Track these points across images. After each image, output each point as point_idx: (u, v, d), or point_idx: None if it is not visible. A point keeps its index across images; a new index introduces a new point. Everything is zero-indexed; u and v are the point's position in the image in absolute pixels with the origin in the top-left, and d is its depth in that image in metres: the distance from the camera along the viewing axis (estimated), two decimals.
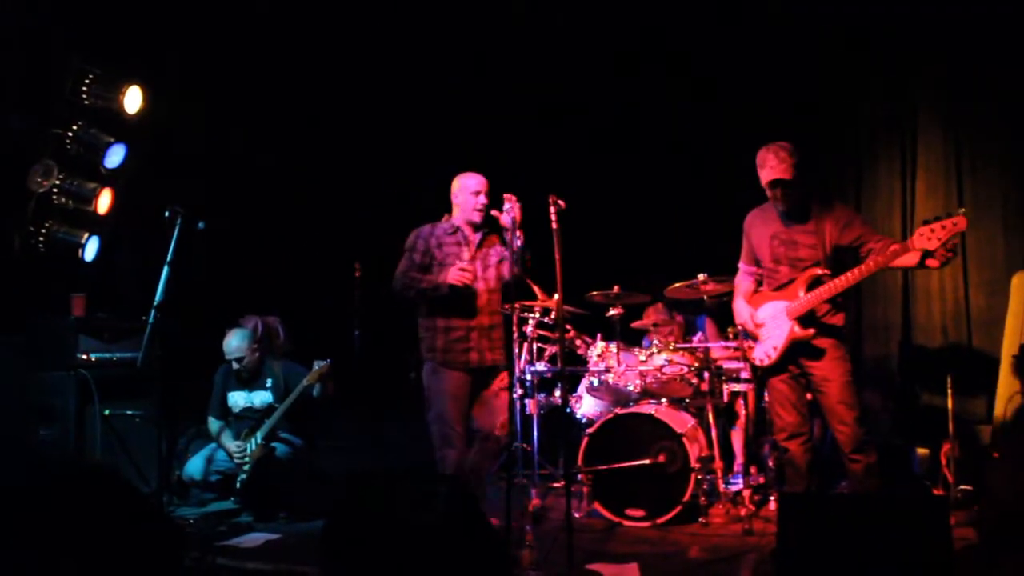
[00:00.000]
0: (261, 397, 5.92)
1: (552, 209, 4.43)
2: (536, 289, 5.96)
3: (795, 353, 4.63)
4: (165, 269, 4.81)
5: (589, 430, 5.56)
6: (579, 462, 5.47)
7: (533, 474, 5.95)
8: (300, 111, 7.55)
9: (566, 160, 7.28)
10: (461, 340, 4.84)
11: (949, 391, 5.47)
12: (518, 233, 4.61)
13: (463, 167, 4.99)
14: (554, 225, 4.42)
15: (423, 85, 7.71)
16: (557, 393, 6.21)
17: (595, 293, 6.02)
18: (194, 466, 5.83)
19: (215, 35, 6.73)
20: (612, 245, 7.29)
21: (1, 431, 5.41)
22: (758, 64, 6.99)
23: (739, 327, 5.06)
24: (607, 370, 5.82)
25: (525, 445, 6.06)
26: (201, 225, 4.92)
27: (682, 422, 5.47)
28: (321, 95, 7.63)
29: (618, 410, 5.61)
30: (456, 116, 7.75)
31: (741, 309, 4.88)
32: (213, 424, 5.99)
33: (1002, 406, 4.54)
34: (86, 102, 5.83)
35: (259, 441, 5.71)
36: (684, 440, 5.30)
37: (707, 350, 5.84)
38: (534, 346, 6.25)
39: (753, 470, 5.78)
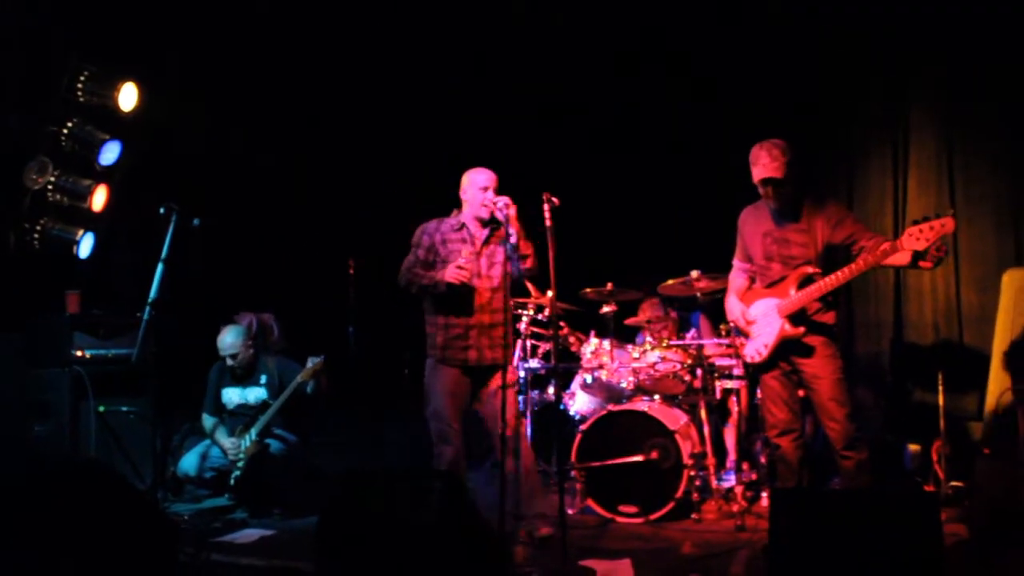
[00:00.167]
0: (255, 393, 5.91)
1: (546, 207, 4.42)
2: (530, 286, 5.96)
3: (786, 350, 4.62)
4: (160, 266, 4.80)
5: (582, 427, 5.56)
6: (572, 459, 5.48)
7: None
8: (298, 110, 7.53)
9: (564, 159, 7.27)
10: (460, 337, 4.80)
11: (940, 388, 5.49)
12: (511, 231, 4.60)
13: (462, 167, 4.97)
14: (548, 223, 4.42)
15: (423, 85, 7.70)
16: (550, 390, 6.22)
17: (588, 290, 6.01)
18: (189, 462, 5.81)
19: (212, 33, 6.71)
20: (605, 242, 7.28)
21: None
22: (757, 64, 6.98)
23: (731, 324, 5.06)
24: (600, 367, 5.82)
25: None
26: (196, 222, 4.92)
27: (675, 419, 5.47)
28: (320, 94, 7.61)
29: (611, 407, 5.60)
30: (456, 116, 7.73)
31: (733, 306, 4.88)
32: (207, 420, 5.98)
33: (993, 403, 4.55)
34: (81, 99, 5.82)
35: (253, 438, 5.69)
36: (677, 437, 5.30)
37: (700, 347, 5.85)
38: (527, 343, 6.25)
39: (745, 466, 5.78)
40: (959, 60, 6.26)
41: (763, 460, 5.65)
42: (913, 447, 5.84)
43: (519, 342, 6.03)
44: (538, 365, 6.21)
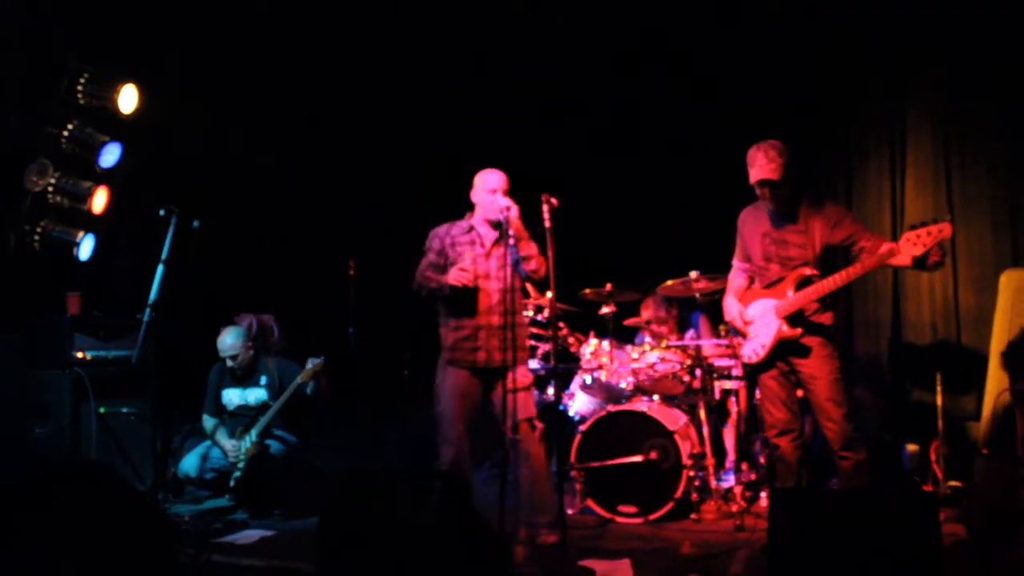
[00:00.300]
0: (255, 394, 5.92)
1: (544, 207, 4.43)
2: (528, 287, 5.96)
3: (784, 351, 4.62)
4: (160, 268, 4.80)
5: (582, 427, 5.57)
6: (572, 459, 5.48)
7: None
8: (298, 110, 7.52)
9: (564, 159, 7.26)
10: (468, 339, 4.78)
11: (938, 388, 5.49)
12: (512, 234, 4.60)
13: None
14: (546, 223, 4.43)
15: (423, 85, 7.70)
16: (550, 390, 6.21)
17: (588, 291, 6.02)
18: (189, 463, 5.82)
19: (212, 34, 6.70)
20: (604, 243, 7.27)
21: None
22: (757, 64, 6.98)
23: (729, 324, 5.06)
24: (600, 367, 5.83)
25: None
26: (196, 224, 4.92)
27: (674, 419, 5.48)
28: (319, 94, 7.60)
29: (611, 407, 5.61)
30: (456, 116, 7.73)
31: (731, 306, 4.87)
32: (208, 422, 5.98)
33: (991, 403, 4.55)
34: (81, 101, 5.82)
35: (253, 439, 5.69)
36: (676, 437, 5.31)
37: (699, 347, 5.85)
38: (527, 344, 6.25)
39: (744, 467, 5.78)
40: (957, 60, 6.26)
41: (762, 460, 5.65)
42: (911, 447, 5.84)
43: None
44: (538, 366, 6.21)
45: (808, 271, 4.52)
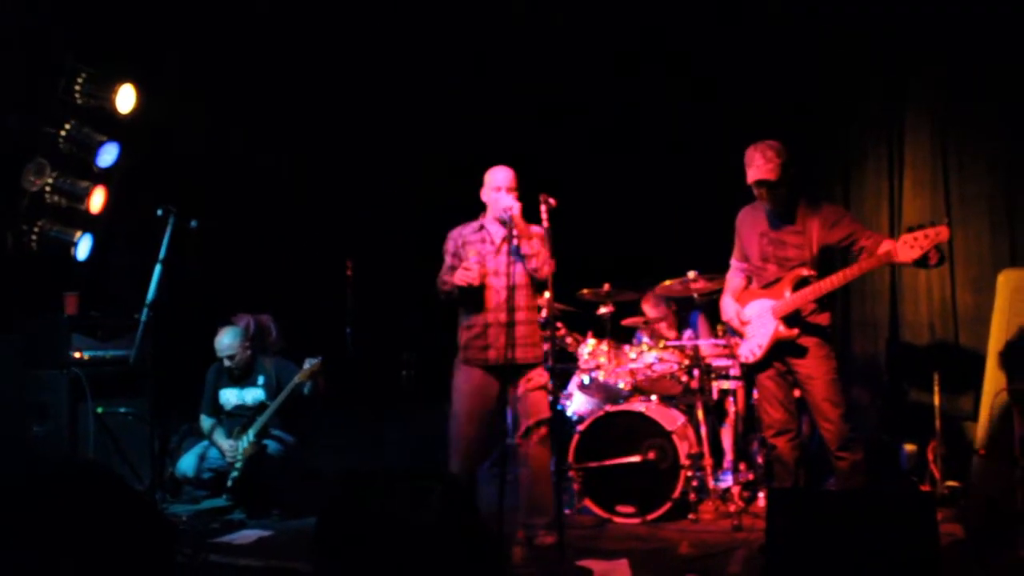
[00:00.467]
0: (253, 395, 5.92)
1: (543, 207, 4.43)
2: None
3: (780, 351, 4.62)
4: (158, 267, 4.80)
5: (580, 427, 5.58)
6: (570, 459, 5.49)
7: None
8: (297, 110, 7.50)
9: (564, 159, 7.26)
10: (479, 336, 4.77)
11: (936, 388, 5.50)
12: (515, 234, 4.61)
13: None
14: (544, 223, 4.43)
15: (423, 85, 7.70)
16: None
17: (585, 291, 6.02)
18: (187, 463, 5.82)
19: (210, 33, 6.69)
20: (602, 243, 7.29)
21: None
22: (757, 64, 7.00)
23: (726, 324, 5.06)
24: (598, 368, 5.83)
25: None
26: (193, 224, 4.92)
27: (672, 419, 5.48)
28: (318, 95, 7.58)
29: (608, 407, 5.62)
30: (456, 116, 7.73)
31: (728, 306, 4.88)
32: (205, 422, 5.99)
33: (988, 403, 4.55)
34: (79, 101, 5.81)
35: (251, 439, 5.69)
36: (674, 437, 5.31)
37: (697, 347, 5.85)
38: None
39: (742, 467, 5.79)
40: (957, 60, 6.26)
41: (760, 460, 5.66)
42: (909, 447, 5.85)
43: None
44: None
45: (805, 272, 4.53)
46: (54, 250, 5.83)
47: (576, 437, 5.53)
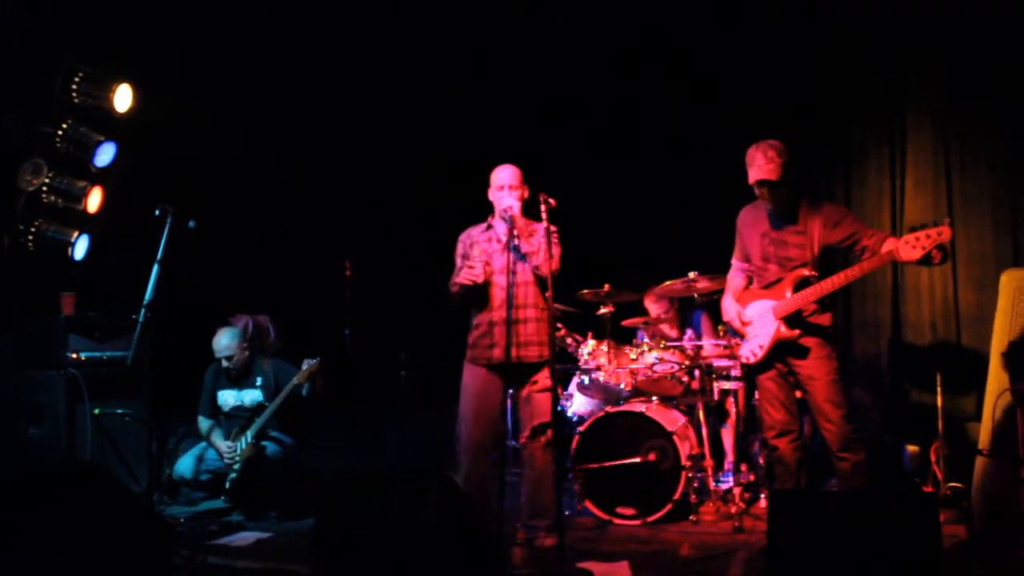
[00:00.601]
0: (251, 396, 5.92)
1: (543, 208, 4.43)
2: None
3: (781, 352, 4.61)
4: (155, 268, 4.80)
5: (580, 428, 5.57)
6: (570, 460, 5.48)
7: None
8: (296, 110, 7.50)
9: (564, 159, 7.27)
10: (484, 335, 4.77)
11: (939, 388, 5.50)
12: (515, 233, 4.61)
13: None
14: (544, 224, 4.43)
15: (423, 85, 7.71)
16: None
17: (586, 291, 6.00)
18: (184, 465, 5.81)
19: (210, 33, 6.68)
20: (602, 243, 7.29)
21: None
22: (757, 64, 7.00)
23: (727, 324, 5.06)
24: (598, 368, 5.81)
25: (516, 443, 6.07)
26: (191, 224, 4.91)
27: (673, 420, 5.47)
28: (318, 94, 7.58)
29: (609, 408, 5.61)
30: (456, 116, 7.74)
31: (729, 306, 4.87)
32: (203, 423, 5.98)
33: (991, 403, 4.54)
34: (76, 100, 5.80)
35: (249, 440, 5.69)
36: (675, 438, 5.30)
37: (698, 348, 5.85)
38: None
39: (743, 468, 5.78)
40: (957, 60, 6.26)
41: (761, 461, 5.66)
42: (911, 448, 5.85)
43: None
44: None
45: (807, 272, 4.52)
46: (51, 250, 5.81)
47: (576, 438, 5.53)
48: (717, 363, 5.85)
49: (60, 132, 5.75)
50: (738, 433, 5.87)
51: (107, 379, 5.81)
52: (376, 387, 6.94)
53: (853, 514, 3.38)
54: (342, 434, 6.90)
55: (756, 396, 4.97)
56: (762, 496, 5.52)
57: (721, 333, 5.87)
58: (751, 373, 5.01)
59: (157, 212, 4.87)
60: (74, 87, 5.77)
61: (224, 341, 5.87)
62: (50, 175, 5.74)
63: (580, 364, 5.95)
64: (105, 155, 5.95)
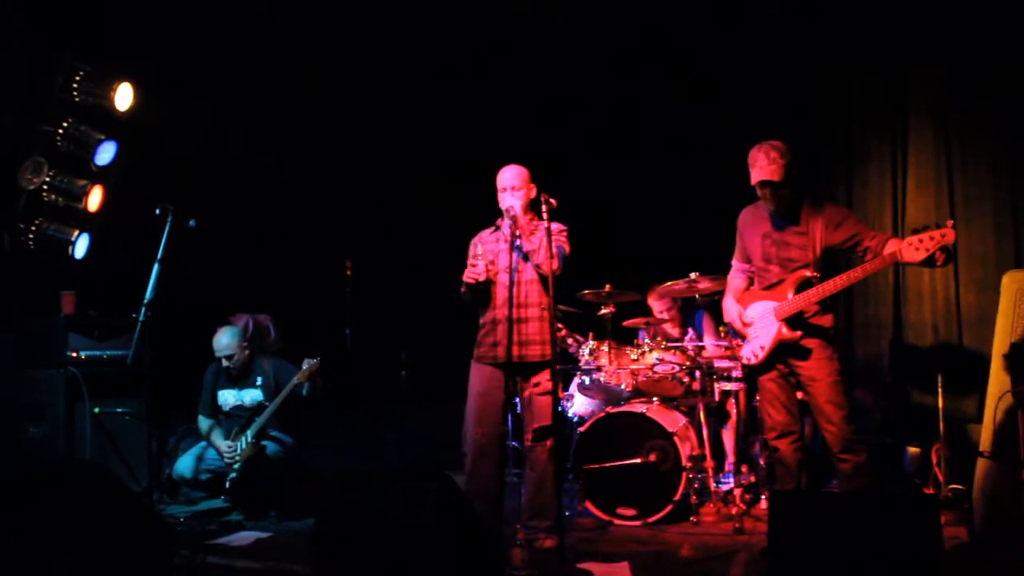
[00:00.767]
0: (251, 395, 5.92)
1: (544, 208, 4.44)
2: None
3: (783, 353, 4.60)
4: (155, 267, 4.80)
5: (580, 429, 5.57)
6: (570, 461, 5.48)
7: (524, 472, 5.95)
8: (295, 110, 7.49)
9: (564, 159, 7.28)
10: (488, 333, 4.80)
11: (940, 390, 5.50)
12: (518, 233, 4.63)
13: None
14: (545, 224, 4.44)
15: (423, 85, 7.72)
16: None
17: (586, 292, 5.99)
18: (184, 464, 5.80)
19: (211, 33, 6.65)
20: (603, 243, 7.29)
21: None
22: (757, 64, 7.02)
23: (729, 325, 5.06)
24: (599, 369, 5.81)
25: (516, 443, 6.08)
26: (192, 223, 4.92)
27: (673, 421, 5.48)
28: (317, 94, 7.58)
29: (610, 409, 5.62)
30: (456, 116, 7.74)
31: (730, 307, 4.86)
32: (203, 422, 5.99)
33: (993, 405, 4.54)
34: (76, 99, 5.80)
35: (249, 439, 5.69)
36: (675, 439, 5.30)
37: (699, 349, 5.85)
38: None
39: (744, 469, 5.79)
40: (959, 60, 6.25)
41: (762, 462, 5.66)
42: (913, 449, 5.84)
43: None
44: None
45: (808, 273, 4.51)
46: (51, 249, 5.83)
47: (577, 439, 5.53)
48: (718, 364, 5.85)
49: (60, 131, 5.76)
50: (739, 434, 5.88)
51: (107, 378, 5.82)
52: (376, 387, 6.94)
53: (854, 515, 3.38)
54: (342, 434, 6.89)
55: (757, 397, 4.96)
56: (763, 497, 5.52)
57: (722, 334, 5.87)
58: (752, 374, 5.01)
59: (158, 211, 4.87)
60: (75, 86, 5.78)
61: (224, 340, 5.88)
62: (51, 174, 5.76)
63: (581, 364, 5.93)
64: (105, 154, 5.97)
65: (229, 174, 7.19)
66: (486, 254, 4.76)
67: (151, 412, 5.00)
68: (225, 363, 5.89)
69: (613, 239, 7.58)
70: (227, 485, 5.70)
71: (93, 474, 3.11)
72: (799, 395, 4.78)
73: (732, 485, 5.57)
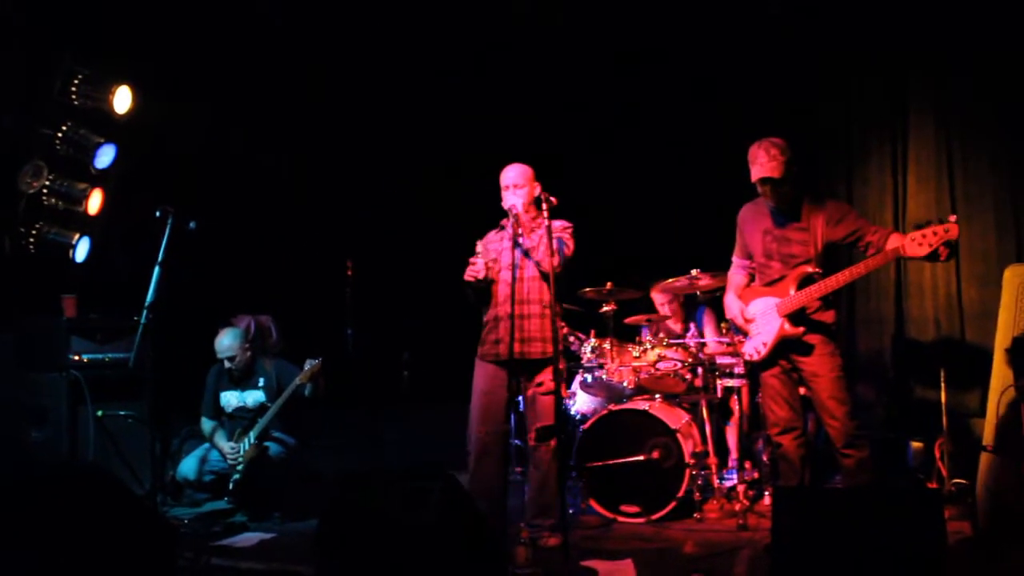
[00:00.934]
0: (254, 396, 5.93)
1: (544, 206, 4.44)
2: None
3: (785, 348, 4.60)
4: (156, 269, 4.80)
5: (583, 426, 5.57)
6: (573, 459, 5.49)
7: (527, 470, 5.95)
8: (295, 110, 7.50)
9: (565, 157, 7.28)
10: (490, 331, 4.82)
11: (943, 384, 5.49)
12: (519, 228, 4.65)
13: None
14: (546, 222, 4.44)
15: (423, 84, 7.74)
16: None
17: (588, 289, 5.99)
18: (188, 466, 5.82)
19: (211, 34, 6.65)
20: (604, 241, 7.25)
21: None
22: (756, 63, 7.05)
23: (730, 322, 5.05)
24: (601, 366, 5.82)
25: (519, 441, 6.08)
26: (192, 225, 4.92)
27: (676, 418, 5.48)
28: (318, 94, 7.59)
29: (612, 406, 5.62)
30: (456, 116, 7.77)
31: (731, 304, 4.87)
32: (206, 424, 6.01)
33: (995, 399, 4.54)
34: (75, 102, 5.80)
35: (252, 441, 5.71)
36: (678, 436, 5.31)
37: (701, 345, 5.85)
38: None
39: (747, 465, 5.78)
40: (958, 59, 6.26)
41: (765, 458, 5.66)
42: (916, 444, 5.83)
43: None
44: None
45: (810, 269, 4.51)
46: (52, 252, 5.83)
47: (579, 436, 5.53)
48: (720, 360, 5.85)
49: (60, 134, 5.76)
50: (742, 430, 5.87)
51: (109, 381, 5.82)
52: (378, 387, 6.94)
53: (857, 511, 3.39)
54: (344, 434, 6.88)
55: (760, 393, 4.97)
56: (766, 493, 5.52)
57: (724, 330, 5.86)
58: (754, 370, 5.01)
59: (158, 213, 4.87)
60: (73, 89, 5.77)
61: (226, 342, 5.89)
62: (50, 177, 5.75)
63: (583, 362, 5.94)
64: (105, 157, 5.95)
65: (230, 175, 7.20)
66: (488, 252, 4.79)
67: (154, 414, 5.00)
68: (227, 365, 5.91)
69: (613, 238, 7.56)
70: (231, 486, 5.72)
71: (95, 476, 3.11)
72: (802, 391, 4.78)
73: (735, 481, 5.57)
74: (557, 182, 4.71)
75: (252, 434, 5.73)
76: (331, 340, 6.29)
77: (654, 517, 5.27)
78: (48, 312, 5.89)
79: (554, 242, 4.52)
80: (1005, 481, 4.43)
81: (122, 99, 5.93)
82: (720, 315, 5.81)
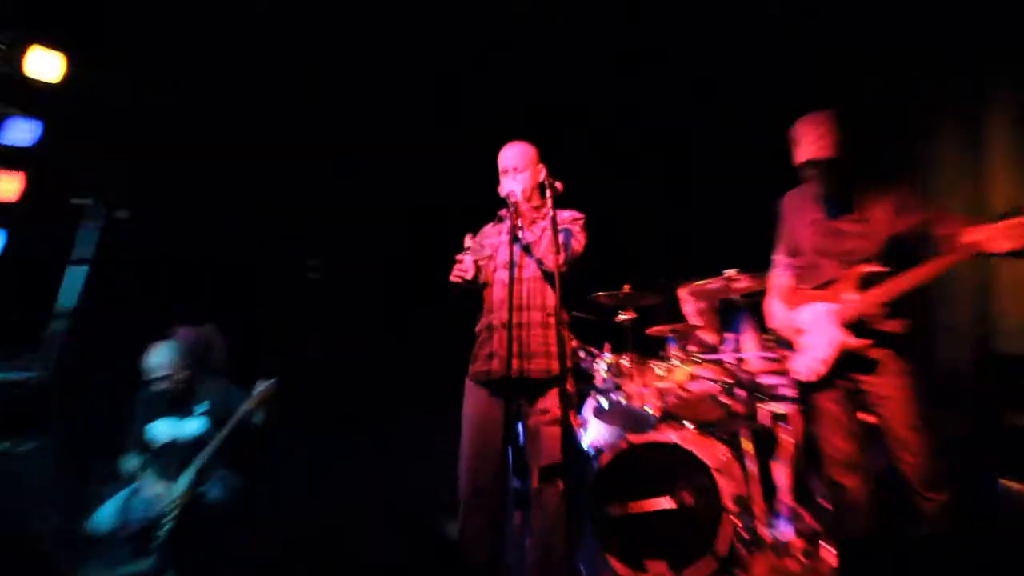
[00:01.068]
0: (192, 426, 5.89)
1: (548, 193, 4.42)
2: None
3: (844, 366, 4.58)
4: (75, 269, 4.71)
5: (598, 463, 5.48)
6: (585, 505, 5.38)
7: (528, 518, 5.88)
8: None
9: (566, 158, 7.51)
10: (483, 344, 4.80)
11: None
12: (520, 219, 4.66)
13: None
14: (550, 212, 4.34)
15: (422, 84, 8.19)
16: None
17: (601, 294, 5.95)
18: (104, 516, 5.71)
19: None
20: (621, 239, 7.49)
21: None
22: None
23: (775, 332, 4.98)
24: (618, 388, 5.78)
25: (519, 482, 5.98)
26: (122, 215, 4.84)
27: (712, 452, 5.40)
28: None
29: (632, 438, 5.53)
30: (456, 116, 8.19)
31: (776, 311, 4.89)
32: (130, 461, 5.91)
33: None
34: None
35: (189, 481, 5.62)
36: (715, 475, 5.25)
37: (740, 361, 5.77)
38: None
39: (803, 512, 5.66)
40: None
41: (824, 504, 5.53)
42: (1008, 483, 5.73)
43: None
44: None
45: (872, 267, 4.47)
46: None
47: (593, 476, 5.43)
48: (764, 380, 5.76)
49: None
50: (796, 468, 5.76)
51: (2, 406, 5.69)
52: (348, 408, 6.95)
53: (945, 569, 3.27)
54: (306, 468, 6.83)
55: (813, 422, 4.86)
56: (827, 548, 5.38)
57: (767, 343, 5.77)
58: (807, 393, 4.90)
59: (79, 203, 4.77)
60: None
61: (158, 359, 5.87)
62: None
63: (596, 383, 5.90)
64: (20, 132, 5.88)
65: (170, 160, 7.28)
66: (483, 249, 4.77)
67: (62, 449, 4.91)
68: (160, 387, 5.82)
69: (632, 233, 7.98)
70: (159, 540, 5.57)
71: None
72: (870, 419, 4.66)
73: (788, 533, 5.42)
74: (565, 175, 4.72)
75: (188, 473, 5.64)
76: (286, 356, 6.28)
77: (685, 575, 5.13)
78: None
79: (560, 236, 4.46)
80: None
81: (40, 64, 5.85)
82: (762, 324, 5.71)
